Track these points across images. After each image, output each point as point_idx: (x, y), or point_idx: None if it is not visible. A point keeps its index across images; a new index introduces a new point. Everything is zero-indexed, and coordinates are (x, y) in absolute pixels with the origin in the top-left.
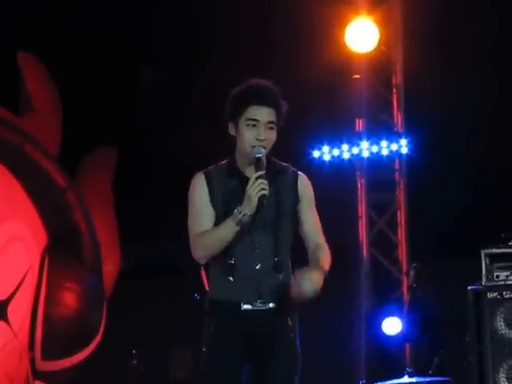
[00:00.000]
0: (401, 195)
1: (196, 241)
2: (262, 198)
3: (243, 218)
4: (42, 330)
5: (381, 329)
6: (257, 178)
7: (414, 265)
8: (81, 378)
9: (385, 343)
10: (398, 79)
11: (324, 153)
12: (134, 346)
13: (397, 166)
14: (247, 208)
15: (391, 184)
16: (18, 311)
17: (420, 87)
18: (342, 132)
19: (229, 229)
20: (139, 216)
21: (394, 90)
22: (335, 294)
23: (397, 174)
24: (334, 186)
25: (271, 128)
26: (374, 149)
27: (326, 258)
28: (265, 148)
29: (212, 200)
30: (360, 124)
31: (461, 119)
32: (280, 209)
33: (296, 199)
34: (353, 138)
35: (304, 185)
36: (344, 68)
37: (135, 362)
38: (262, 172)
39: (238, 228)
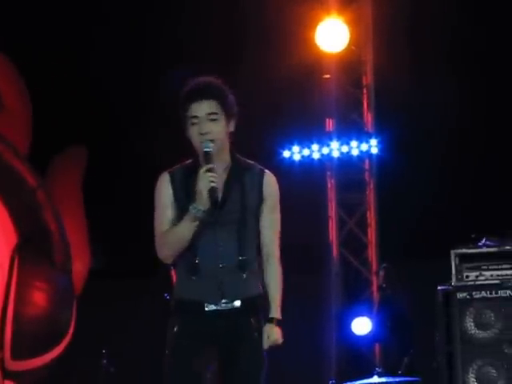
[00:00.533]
0: (371, 195)
1: (159, 240)
2: (212, 192)
3: (197, 213)
4: (11, 329)
5: (350, 329)
6: (206, 172)
7: (384, 265)
8: (51, 377)
9: (354, 343)
10: (368, 79)
11: (294, 153)
12: (104, 345)
13: (367, 166)
14: (200, 203)
15: (361, 184)
16: None
17: (390, 87)
18: (312, 132)
19: (186, 226)
20: (109, 215)
21: (364, 90)
22: (305, 294)
23: (367, 174)
24: (304, 186)
25: (214, 120)
26: (344, 149)
27: (277, 280)
28: (212, 141)
29: (176, 199)
30: (330, 124)
31: (431, 119)
32: (245, 206)
33: (260, 198)
34: (323, 138)
35: (270, 184)
36: (314, 68)
37: (105, 361)
38: (211, 165)
39: (195, 224)
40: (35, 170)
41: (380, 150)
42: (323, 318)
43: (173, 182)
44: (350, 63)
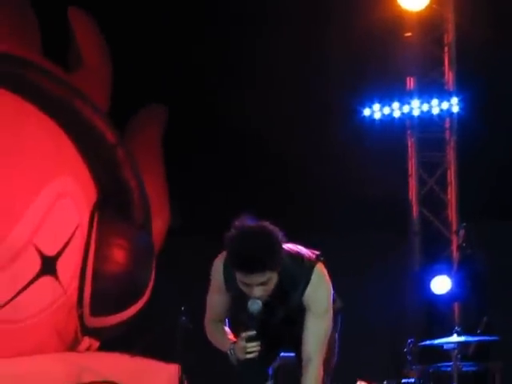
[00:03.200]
0: (451, 154)
1: (206, 327)
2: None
3: (232, 359)
4: (90, 286)
5: (430, 288)
6: (246, 342)
7: (464, 224)
8: (129, 334)
9: (434, 302)
10: (449, 37)
11: (374, 111)
12: (184, 302)
13: (447, 125)
14: (235, 355)
15: (442, 143)
16: (67, 267)
17: (471, 45)
18: (392, 90)
19: (223, 349)
20: (188, 173)
21: (446, 49)
22: (384, 253)
23: (447, 133)
24: (385, 144)
25: (265, 283)
26: (425, 107)
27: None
28: (263, 296)
29: (227, 287)
30: (411, 82)
31: None
32: (291, 330)
33: (301, 310)
34: (404, 97)
35: (310, 296)
36: (396, 26)
37: (184, 318)
38: (253, 333)
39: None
40: (115, 127)
41: (461, 109)
42: (403, 276)
43: (225, 269)
44: (431, 21)
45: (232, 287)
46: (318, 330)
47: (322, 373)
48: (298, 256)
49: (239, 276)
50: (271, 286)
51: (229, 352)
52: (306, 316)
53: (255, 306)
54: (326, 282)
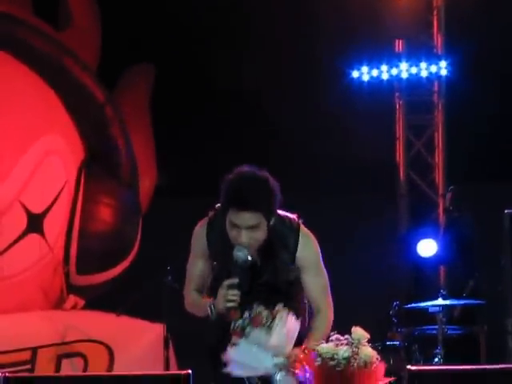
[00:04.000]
0: (439, 117)
1: (185, 298)
2: (229, 310)
3: (211, 314)
4: (77, 244)
5: (416, 251)
6: (228, 289)
7: (451, 187)
8: (115, 293)
9: (420, 265)
10: (438, 1)
11: (363, 73)
12: (169, 262)
13: (436, 88)
14: (216, 308)
15: (430, 106)
16: (54, 225)
17: (460, 9)
18: (381, 53)
19: (204, 312)
20: (175, 133)
21: (435, 12)
22: (371, 215)
23: (435, 96)
24: (373, 106)
25: (255, 229)
26: (414, 70)
27: (320, 329)
28: (248, 247)
29: (209, 248)
30: (400, 45)
31: (500, 41)
32: (278, 279)
33: (293, 264)
34: (392, 59)
35: (303, 253)
36: None
37: (170, 278)
38: (235, 281)
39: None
40: (104, 86)
41: (449, 72)
42: (389, 239)
43: (208, 233)
44: None
45: (214, 250)
46: (319, 282)
47: (331, 318)
48: (283, 216)
49: (231, 216)
50: (259, 235)
51: (209, 308)
52: (302, 276)
53: (240, 253)
54: (313, 238)
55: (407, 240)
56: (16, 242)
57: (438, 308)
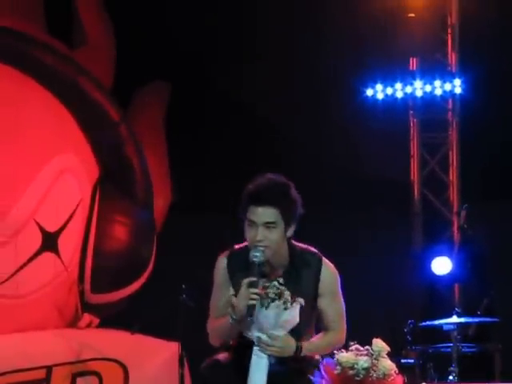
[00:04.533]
0: (453, 135)
1: (209, 328)
2: (249, 308)
3: (232, 320)
4: (91, 262)
5: (430, 269)
6: (247, 287)
7: (466, 205)
8: (130, 311)
9: (434, 283)
10: (453, 19)
11: (377, 91)
12: (185, 280)
13: (450, 106)
14: (234, 314)
15: (444, 124)
16: (69, 244)
17: (475, 27)
18: (395, 71)
19: (227, 326)
20: (190, 151)
21: (449, 30)
22: (385, 233)
23: (450, 114)
24: (387, 124)
25: (271, 227)
26: (428, 88)
27: (325, 340)
28: (264, 249)
29: (232, 282)
30: (414, 63)
31: None
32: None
33: (316, 294)
34: (406, 77)
35: (326, 279)
36: (399, 6)
37: (185, 296)
38: (254, 279)
39: (235, 326)
40: (118, 105)
41: (463, 90)
42: (403, 257)
43: (229, 266)
44: (435, 2)
45: (236, 280)
46: (336, 308)
47: (342, 341)
48: (305, 248)
49: (249, 213)
50: (275, 235)
51: (229, 315)
52: (320, 301)
53: (257, 253)
54: (335, 269)
55: (421, 258)
56: (31, 260)
57: (452, 326)
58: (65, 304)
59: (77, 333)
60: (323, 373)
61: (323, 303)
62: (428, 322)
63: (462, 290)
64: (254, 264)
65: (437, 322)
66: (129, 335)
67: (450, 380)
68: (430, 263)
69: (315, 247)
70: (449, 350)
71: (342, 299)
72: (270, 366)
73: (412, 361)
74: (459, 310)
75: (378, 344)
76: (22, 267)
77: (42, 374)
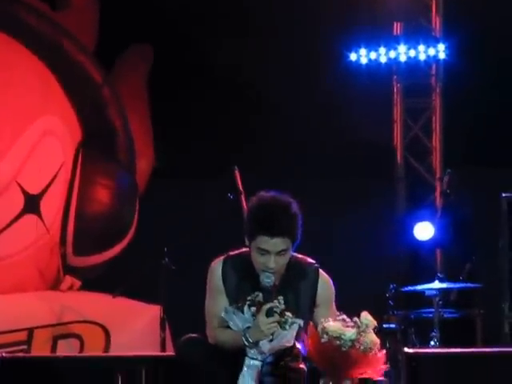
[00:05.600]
0: (437, 101)
1: (214, 339)
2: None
3: (248, 344)
4: (73, 225)
5: (413, 234)
6: (268, 312)
7: (449, 170)
8: (112, 274)
9: (416, 248)
10: None
11: (361, 56)
12: (166, 244)
13: (433, 71)
14: (254, 337)
15: (427, 89)
16: (51, 206)
17: None
18: (379, 35)
19: (239, 343)
20: (173, 114)
21: None
22: (368, 199)
23: (433, 79)
24: (370, 89)
25: (282, 254)
26: (412, 53)
27: None
28: (275, 273)
29: (225, 288)
30: (398, 28)
31: (500, 24)
32: (298, 313)
33: (313, 304)
34: (390, 42)
35: (323, 291)
36: None
37: (166, 259)
38: (273, 304)
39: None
40: (101, 67)
41: (447, 56)
42: (386, 222)
43: (224, 273)
44: None
45: (230, 289)
46: (331, 316)
47: None
48: (301, 258)
49: (260, 242)
50: (284, 260)
51: (243, 337)
52: (317, 312)
53: (269, 279)
54: (331, 281)
55: (404, 223)
56: (13, 222)
57: (434, 291)
58: (46, 266)
59: (58, 295)
60: (307, 339)
61: (319, 313)
62: (410, 287)
63: (444, 256)
64: (266, 289)
65: (419, 288)
66: (110, 298)
67: (432, 345)
68: (412, 228)
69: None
70: (430, 315)
71: (335, 308)
72: (262, 375)
73: (394, 326)
74: (441, 276)
75: (368, 317)
76: (3, 229)
77: (23, 336)
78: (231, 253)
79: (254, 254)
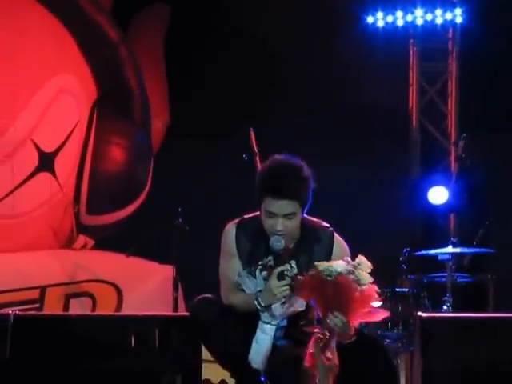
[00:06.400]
0: (453, 65)
1: (228, 300)
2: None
3: (261, 308)
4: (87, 184)
5: (427, 198)
6: (279, 276)
7: (464, 135)
8: (125, 233)
9: (430, 213)
10: None
11: (378, 19)
12: (180, 204)
13: (450, 35)
14: (266, 301)
15: (444, 53)
16: (65, 164)
17: None
18: None
19: (252, 307)
20: (190, 74)
21: None
22: (383, 162)
23: (450, 43)
24: (387, 52)
25: (291, 218)
26: (429, 17)
27: None
28: (284, 236)
29: (239, 252)
30: None
31: None
32: None
33: None
34: (407, 6)
35: (338, 255)
36: None
37: (180, 220)
38: (284, 267)
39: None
40: (118, 26)
41: (464, 20)
42: (400, 185)
43: (238, 238)
44: None
45: (243, 253)
46: None
47: None
48: (317, 222)
49: (267, 204)
50: (294, 223)
51: (255, 301)
52: None
53: (278, 242)
54: (346, 246)
55: (418, 187)
56: (27, 180)
57: (447, 256)
58: (60, 225)
59: (71, 254)
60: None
61: None
62: (423, 252)
63: (458, 220)
64: (277, 253)
65: (432, 252)
66: (124, 258)
67: (444, 310)
68: (426, 192)
69: (314, 177)
70: (443, 279)
71: None
72: (275, 339)
73: (406, 290)
74: (455, 240)
75: (362, 259)
76: (18, 187)
77: (35, 294)
78: (245, 216)
79: (263, 216)
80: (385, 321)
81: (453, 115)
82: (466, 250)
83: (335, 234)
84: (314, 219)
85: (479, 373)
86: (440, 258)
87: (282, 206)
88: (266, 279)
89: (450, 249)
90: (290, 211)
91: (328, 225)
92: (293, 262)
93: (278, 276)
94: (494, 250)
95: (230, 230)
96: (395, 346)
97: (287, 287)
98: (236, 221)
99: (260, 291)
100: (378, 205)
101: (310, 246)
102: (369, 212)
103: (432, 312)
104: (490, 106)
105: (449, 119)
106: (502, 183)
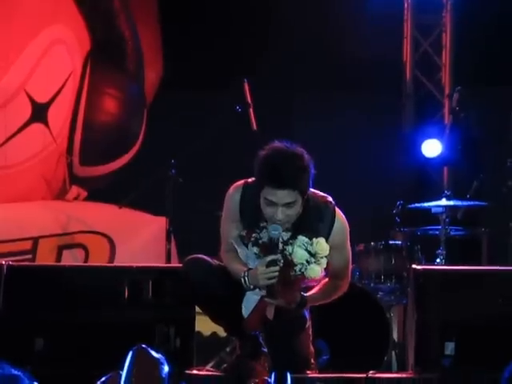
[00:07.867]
0: (447, 17)
1: (223, 258)
2: (269, 287)
3: (246, 286)
4: (81, 135)
5: (420, 150)
6: (269, 264)
7: (458, 88)
8: (118, 185)
9: (424, 165)
10: None
11: None
12: (174, 155)
13: None
14: (252, 281)
15: (438, 5)
16: (58, 115)
17: None
18: None
19: (237, 278)
20: (183, 25)
21: None
22: (376, 113)
23: None
24: (381, 5)
25: (291, 207)
26: None
27: (327, 291)
28: (283, 224)
29: (242, 215)
30: None
31: None
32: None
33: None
34: None
35: (337, 233)
36: None
37: (174, 171)
38: (274, 257)
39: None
40: None
41: None
42: (393, 138)
43: (242, 201)
44: None
45: (246, 218)
46: (343, 258)
47: (344, 289)
48: (318, 196)
49: (267, 193)
50: (294, 211)
51: (242, 279)
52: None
53: (276, 231)
54: (346, 222)
55: (412, 139)
56: (20, 131)
57: (441, 208)
58: (53, 176)
59: (64, 205)
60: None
61: (332, 254)
62: (417, 204)
63: (452, 173)
64: (272, 240)
65: (426, 205)
66: (116, 209)
67: (437, 262)
68: (420, 145)
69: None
70: (437, 232)
71: (350, 247)
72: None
73: (399, 242)
74: (448, 193)
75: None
76: (10, 137)
77: (28, 245)
78: (249, 180)
79: (262, 203)
80: (378, 273)
81: (447, 68)
82: (459, 202)
83: (337, 212)
84: (317, 192)
85: (473, 325)
86: (433, 210)
87: (282, 195)
88: (256, 254)
89: (443, 202)
90: (289, 201)
91: (330, 199)
92: (286, 252)
93: (268, 264)
94: (487, 203)
95: (235, 192)
96: (388, 299)
97: (274, 276)
98: (241, 184)
99: (250, 269)
100: (371, 157)
101: (312, 222)
102: (362, 164)
103: (425, 265)
104: (484, 59)
105: (443, 72)
106: (496, 136)
